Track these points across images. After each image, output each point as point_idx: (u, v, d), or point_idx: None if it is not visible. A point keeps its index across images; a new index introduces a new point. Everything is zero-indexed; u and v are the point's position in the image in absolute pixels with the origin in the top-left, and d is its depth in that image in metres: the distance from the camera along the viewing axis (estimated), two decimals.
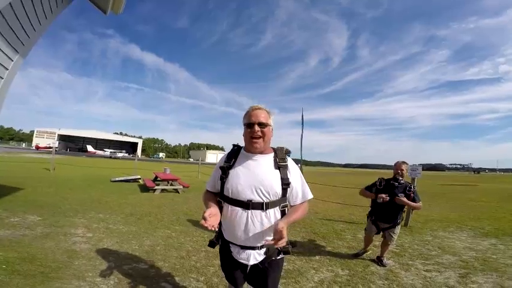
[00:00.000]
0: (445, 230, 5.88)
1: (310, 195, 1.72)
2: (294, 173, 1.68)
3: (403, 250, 4.44)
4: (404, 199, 3.66)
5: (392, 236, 3.83)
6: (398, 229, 3.90)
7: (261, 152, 1.65)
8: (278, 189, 1.58)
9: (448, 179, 37.53)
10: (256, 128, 1.58)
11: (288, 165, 1.66)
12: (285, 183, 1.60)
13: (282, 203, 1.61)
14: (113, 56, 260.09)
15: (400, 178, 3.85)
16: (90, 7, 4.32)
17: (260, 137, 1.60)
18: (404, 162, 3.92)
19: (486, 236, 5.48)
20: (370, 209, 4.14)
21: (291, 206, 1.68)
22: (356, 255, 4.08)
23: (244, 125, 1.65)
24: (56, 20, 3.95)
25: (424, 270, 3.62)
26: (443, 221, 6.90)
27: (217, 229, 1.58)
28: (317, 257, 3.96)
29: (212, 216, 1.51)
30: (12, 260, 3.12)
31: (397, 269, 3.66)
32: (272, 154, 1.68)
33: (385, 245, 3.88)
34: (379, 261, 3.85)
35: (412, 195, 3.75)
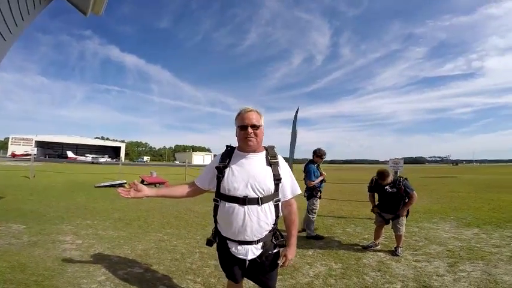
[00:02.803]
0: (429, 221, 6.09)
1: (299, 191, 1.83)
2: (284, 169, 1.79)
3: (392, 242, 4.57)
4: (404, 212, 4.12)
5: (398, 227, 4.09)
6: (403, 220, 4.14)
7: (254, 151, 1.75)
8: (271, 185, 1.68)
9: (429, 171, 38.98)
10: (250, 130, 1.69)
11: (279, 162, 1.77)
12: (277, 179, 1.71)
13: (275, 197, 1.71)
14: (91, 58, 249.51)
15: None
16: (68, 8, 4.15)
17: (253, 138, 1.70)
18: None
19: (468, 225, 5.69)
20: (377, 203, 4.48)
21: (283, 202, 1.77)
22: (366, 248, 4.25)
23: (238, 127, 1.74)
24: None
25: (414, 261, 3.74)
26: (427, 212, 7.15)
27: (126, 196, 1.70)
28: (310, 252, 4.03)
29: (137, 189, 1.71)
30: (3, 269, 3.04)
31: (388, 260, 3.78)
32: (264, 152, 1.79)
33: (396, 236, 4.15)
34: (394, 250, 4.06)
35: (402, 187, 4.04)
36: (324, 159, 5.12)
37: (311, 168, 4.93)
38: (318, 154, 5.03)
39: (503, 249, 4.18)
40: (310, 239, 4.76)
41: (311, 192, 4.93)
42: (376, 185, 4.32)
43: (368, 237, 4.84)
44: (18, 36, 3.53)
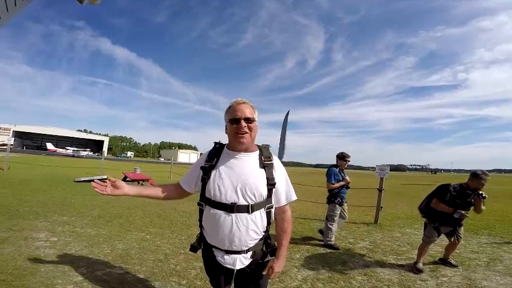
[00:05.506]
0: (411, 227, 6.20)
1: (294, 197, 1.64)
2: (280, 172, 1.60)
3: (376, 246, 4.64)
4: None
5: (461, 236, 3.81)
6: (462, 228, 3.86)
7: (246, 150, 1.55)
8: (263, 190, 1.49)
9: (409, 178, 40.17)
10: (243, 123, 1.47)
11: (274, 164, 1.57)
12: (271, 184, 1.51)
13: (268, 204, 1.53)
14: (81, 49, 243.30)
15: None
16: None
17: (246, 133, 1.49)
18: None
19: None
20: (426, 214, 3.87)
21: (276, 208, 1.61)
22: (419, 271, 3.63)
23: (229, 120, 1.52)
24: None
25: (398, 265, 3.79)
26: (408, 218, 7.29)
27: (101, 192, 1.49)
28: (297, 256, 3.99)
29: (114, 186, 1.54)
30: None
31: (373, 264, 3.81)
32: (257, 152, 1.58)
33: (453, 246, 3.87)
34: (446, 263, 3.86)
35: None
36: (348, 163, 4.81)
37: (332, 171, 4.71)
38: (341, 157, 4.77)
39: (481, 255, 4.33)
40: (326, 247, 4.50)
41: (331, 197, 4.67)
42: (462, 193, 3.56)
43: (353, 241, 4.88)
44: (7, 21, 3.29)
